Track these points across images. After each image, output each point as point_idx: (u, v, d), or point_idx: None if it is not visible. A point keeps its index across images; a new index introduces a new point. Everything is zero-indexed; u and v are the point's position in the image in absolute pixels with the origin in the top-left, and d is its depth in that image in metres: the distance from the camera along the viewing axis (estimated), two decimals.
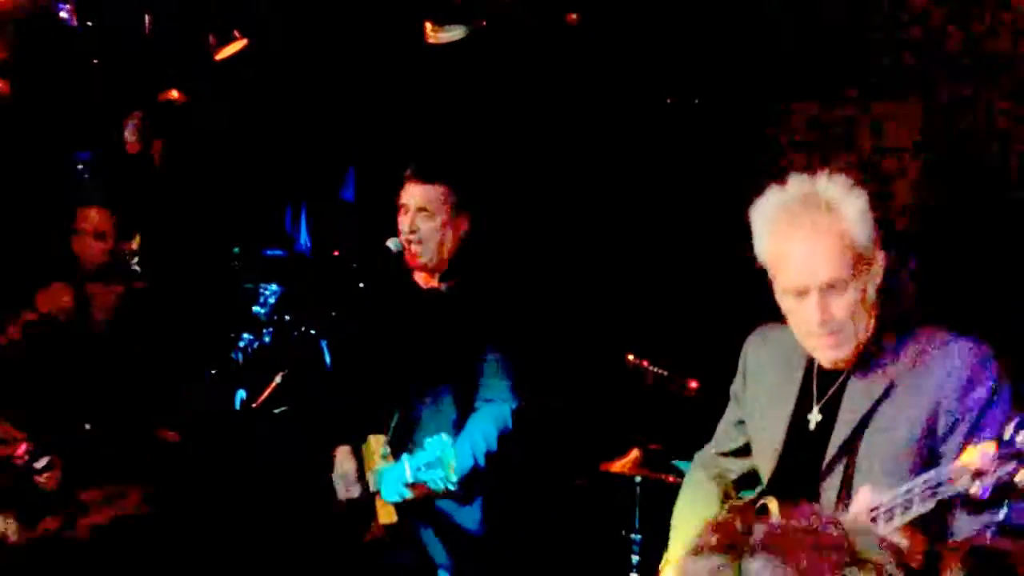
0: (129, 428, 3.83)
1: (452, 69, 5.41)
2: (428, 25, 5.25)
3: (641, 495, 4.15)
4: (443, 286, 3.65)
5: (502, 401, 3.55)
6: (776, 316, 2.46)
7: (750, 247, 2.39)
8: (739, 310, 4.67)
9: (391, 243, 3.61)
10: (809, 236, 2.25)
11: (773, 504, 2.38)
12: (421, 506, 3.51)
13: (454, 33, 5.21)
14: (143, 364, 3.90)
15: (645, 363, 4.28)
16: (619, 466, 4.17)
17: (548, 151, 5.33)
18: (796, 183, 2.31)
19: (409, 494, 3.39)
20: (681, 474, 3.79)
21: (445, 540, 3.59)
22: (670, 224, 5.05)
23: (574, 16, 5.19)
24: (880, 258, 2.32)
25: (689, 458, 2.99)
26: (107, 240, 4.00)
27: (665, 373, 4.25)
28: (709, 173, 4.98)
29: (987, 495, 1.87)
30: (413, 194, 3.59)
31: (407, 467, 3.32)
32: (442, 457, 3.24)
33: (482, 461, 3.47)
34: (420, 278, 3.71)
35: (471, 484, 3.49)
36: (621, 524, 4.22)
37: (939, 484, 1.94)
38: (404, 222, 3.59)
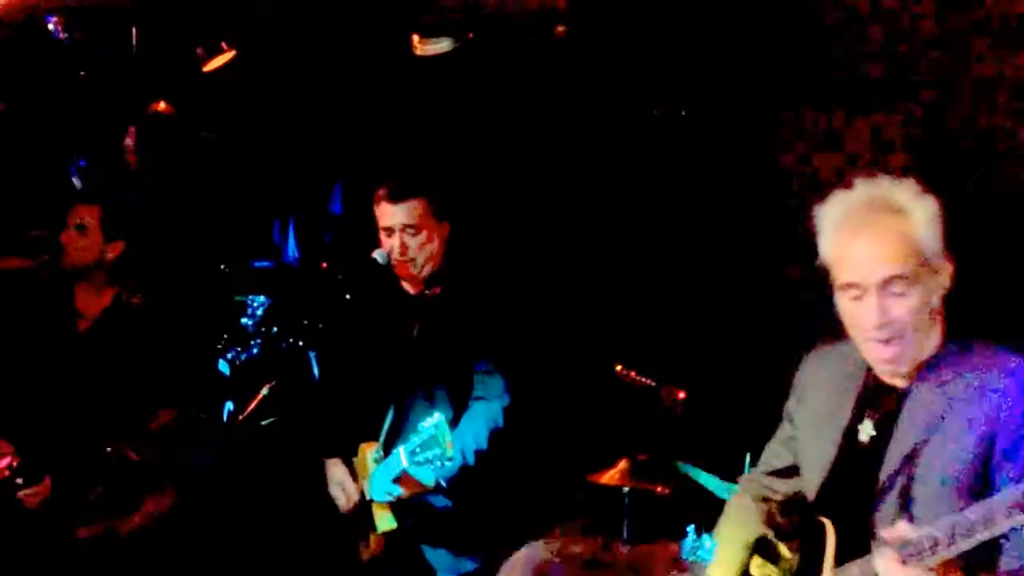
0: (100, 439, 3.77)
1: (440, 81, 5.42)
2: (415, 37, 5.27)
3: (629, 505, 4.14)
4: (430, 291, 3.68)
5: (495, 398, 3.58)
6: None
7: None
8: (728, 320, 4.71)
9: (377, 255, 3.63)
10: (873, 236, 2.22)
11: (829, 525, 2.32)
12: (419, 511, 3.53)
13: (441, 45, 5.22)
14: (122, 371, 3.84)
15: (633, 373, 4.29)
16: (607, 477, 4.17)
17: (539, 161, 5.34)
18: (861, 186, 2.29)
19: (399, 490, 3.41)
20: (681, 477, 3.81)
21: (445, 545, 3.61)
22: (658, 234, 5.06)
23: (562, 28, 5.21)
24: (948, 267, 2.25)
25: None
26: (87, 234, 3.95)
27: (653, 383, 4.26)
28: (698, 183, 5.00)
29: None
30: (394, 214, 3.61)
31: (402, 454, 3.34)
32: (436, 435, 3.25)
33: (471, 459, 3.50)
34: (407, 285, 3.75)
35: (462, 483, 3.50)
36: (609, 534, 4.21)
37: (987, 520, 1.88)
38: (392, 243, 3.62)
